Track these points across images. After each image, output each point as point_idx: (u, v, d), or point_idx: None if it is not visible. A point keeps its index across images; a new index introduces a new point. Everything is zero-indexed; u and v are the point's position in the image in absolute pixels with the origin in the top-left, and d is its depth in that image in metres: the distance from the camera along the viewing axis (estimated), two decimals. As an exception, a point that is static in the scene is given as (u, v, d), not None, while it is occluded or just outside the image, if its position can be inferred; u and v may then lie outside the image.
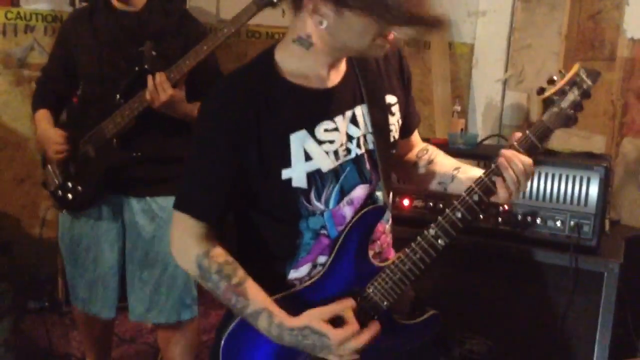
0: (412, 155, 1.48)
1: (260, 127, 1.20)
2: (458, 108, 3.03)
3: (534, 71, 3.67)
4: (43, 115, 2.11)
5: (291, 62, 1.23)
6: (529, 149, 1.23)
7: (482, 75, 3.92)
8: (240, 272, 1.20)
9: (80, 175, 2.05)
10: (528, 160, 1.22)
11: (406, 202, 2.07)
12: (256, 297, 1.18)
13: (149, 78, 1.89)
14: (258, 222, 1.28)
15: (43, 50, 3.13)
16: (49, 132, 2.05)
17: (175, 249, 1.27)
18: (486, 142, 2.57)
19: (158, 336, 2.28)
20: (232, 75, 1.28)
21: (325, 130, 1.23)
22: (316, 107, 1.24)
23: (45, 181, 2.15)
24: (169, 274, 2.07)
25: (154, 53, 1.95)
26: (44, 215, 2.56)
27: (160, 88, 1.88)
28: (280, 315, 1.17)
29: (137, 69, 1.95)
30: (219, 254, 1.22)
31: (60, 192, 2.08)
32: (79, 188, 2.05)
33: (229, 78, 1.30)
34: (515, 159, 1.21)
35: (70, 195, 2.06)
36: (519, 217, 1.95)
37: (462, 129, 2.77)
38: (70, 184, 2.06)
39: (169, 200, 2.04)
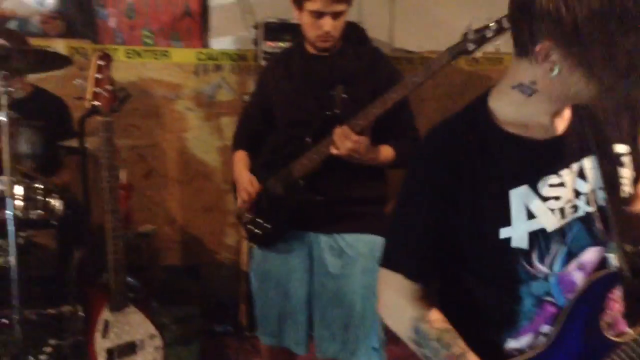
0: None
1: (475, 181, 1.11)
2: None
3: None
4: (240, 157, 2.22)
5: (509, 110, 1.14)
6: None
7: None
8: (461, 342, 1.12)
9: (270, 212, 2.11)
10: None
11: None
12: None
13: (336, 130, 1.89)
14: (470, 284, 1.19)
15: (230, 87, 3.33)
16: (242, 175, 2.15)
17: (386, 308, 1.22)
18: None
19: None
20: (443, 123, 1.21)
21: (550, 185, 1.12)
22: (539, 159, 1.12)
23: (238, 214, 2.24)
24: (357, 313, 2.05)
25: (344, 96, 1.95)
26: (229, 242, 2.70)
27: (344, 137, 1.87)
28: None
29: (327, 112, 1.97)
30: (437, 319, 1.15)
31: (250, 227, 2.16)
32: (268, 225, 2.11)
33: (440, 127, 1.23)
34: None
35: (259, 231, 2.13)
36: None
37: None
38: (260, 220, 2.13)
39: (357, 238, 2.06)
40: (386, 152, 1.99)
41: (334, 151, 1.89)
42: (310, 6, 1.92)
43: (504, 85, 1.14)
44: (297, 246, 2.12)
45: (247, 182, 2.11)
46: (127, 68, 3.27)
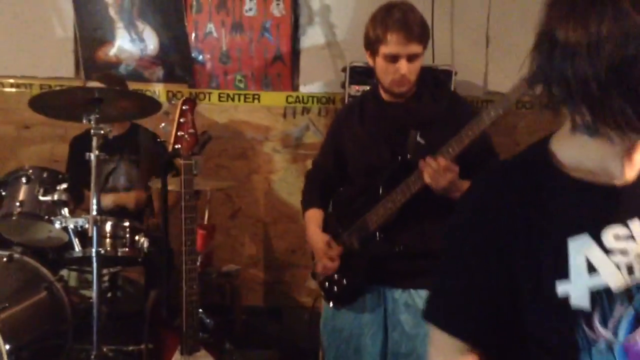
0: None
1: (531, 229, 0.98)
2: None
3: None
4: (312, 216, 2.14)
5: (572, 152, 1.01)
6: None
7: None
8: None
9: (345, 268, 2.03)
10: None
11: None
12: None
13: (426, 161, 1.79)
14: (521, 352, 1.05)
15: (317, 130, 3.35)
16: (318, 237, 2.07)
17: None
18: None
19: None
20: (498, 166, 1.11)
21: (616, 237, 0.97)
22: (604, 207, 0.98)
23: (313, 272, 2.18)
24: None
25: (420, 141, 1.88)
26: (312, 286, 2.65)
27: (445, 169, 1.76)
28: None
29: (399, 158, 1.90)
30: None
31: (327, 285, 2.09)
32: (344, 281, 2.03)
33: (495, 170, 1.12)
34: None
35: (335, 288, 2.06)
36: None
37: None
38: (335, 276, 2.06)
39: None
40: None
41: (427, 181, 1.78)
42: (384, 49, 1.87)
43: (567, 126, 1.02)
44: (371, 301, 2.02)
45: (325, 244, 2.02)
46: (219, 111, 3.38)
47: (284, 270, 3.46)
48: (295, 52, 3.34)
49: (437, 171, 1.76)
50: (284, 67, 3.34)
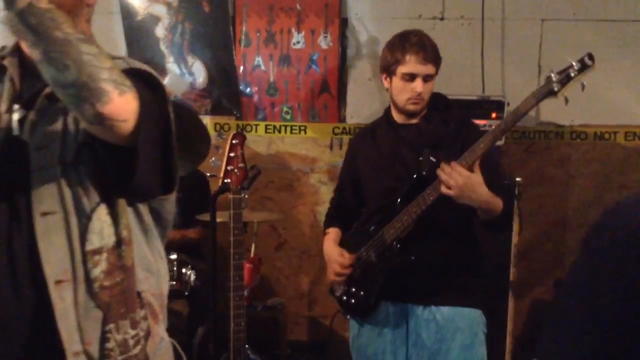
0: None
1: None
2: None
3: None
4: (330, 233, 2.23)
5: None
6: None
7: None
8: None
9: (363, 281, 2.07)
10: None
11: None
12: None
13: (441, 166, 1.83)
14: None
15: (363, 162, 3.31)
16: (332, 249, 2.15)
17: None
18: None
19: None
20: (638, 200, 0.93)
21: None
22: None
23: (331, 287, 2.21)
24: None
25: (432, 159, 1.94)
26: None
27: (456, 173, 1.80)
28: None
29: (415, 176, 1.96)
30: None
31: (345, 298, 2.12)
32: (362, 293, 2.06)
33: (635, 204, 0.95)
34: None
35: (353, 300, 2.09)
36: None
37: None
38: (353, 289, 2.10)
39: (455, 311, 1.96)
40: (494, 197, 1.87)
41: (444, 190, 1.81)
42: (403, 69, 1.98)
43: None
44: (393, 318, 2.05)
45: (337, 254, 2.12)
46: (266, 142, 3.38)
47: (329, 304, 3.40)
48: (342, 84, 3.33)
49: (451, 174, 1.80)
50: (331, 99, 3.33)
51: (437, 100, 2.09)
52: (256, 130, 3.39)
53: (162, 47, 3.36)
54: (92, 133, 1.15)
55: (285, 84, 3.35)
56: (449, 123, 2.05)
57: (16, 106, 1.25)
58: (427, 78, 2.00)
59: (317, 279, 3.42)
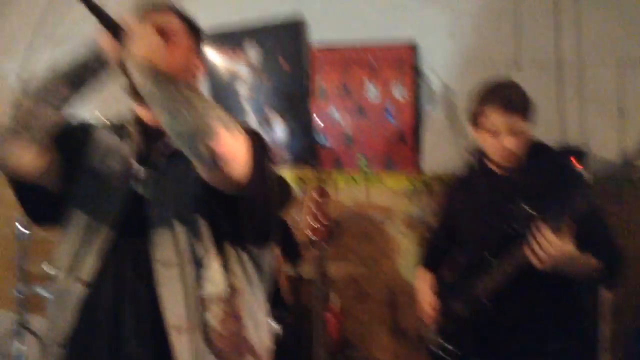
0: None
1: None
2: None
3: None
4: (423, 274, 2.26)
5: None
6: None
7: None
8: None
9: (455, 335, 2.05)
10: None
11: None
12: None
13: (530, 237, 1.76)
14: None
15: (442, 210, 3.30)
16: (425, 292, 2.19)
17: None
18: None
19: None
20: None
21: None
22: None
23: (421, 334, 2.23)
24: None
25: (529, 213, 1.85)
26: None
27: (547, 242, 1.71)
28: None
29: (508, 228, 1.89)
30: None
31: (434, 350, 2.11)
32: (451, 347, 2.04)
33: None
34: None
35: (441, 352, 2.08)
36: None
37: None
38: (442, 341, 2.08)
39: None
40: (587, 258, 1.79)
41: (534, 262, 1.75)
42: (486, 124, 1.91)
43: None
44: None
45: (429, 296, 2.14)
46: (343, 193, 3.44)
47: (413, 357, 3.36)
48: (417, 133, 3.36)
49: (543, 247, 1.71)
50: (407, 148, 3.37)
51: (537, 149, 1.97)
52: (334, 181, 3.46)
53: (244, 103, 3.52)
54: (207, 183, 1.26)
55: (361, 134, 3.42)
56: (547, 173, 1.94)
57: (138, 165, 1.39)
58: (514, 133, 1.88)
59: (399, 332, 3.40)
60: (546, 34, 3.23)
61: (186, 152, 1.22)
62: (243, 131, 1.25)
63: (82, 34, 3.79)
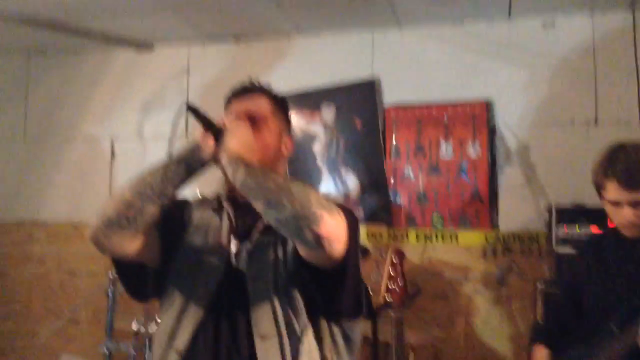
0: None
1: None
2: None
3: None
4: (540, 354, 2.07)
5: None
6: None
7: None
8: None
9: None
10: None
11: None
12: None
13: None
14: None
15: (521, 271, 3.21)
16: None
17: None
18: None
19: None
20: None
21: None
22: None
23: None
24: None
25: None
26: None
27: None
28: None
29: (635, 299, 1.80)
30: None
31: None
32: None
33: None
34: None
35: None
36: None
37: None
38: None
39: None
40: None
41: None
42: (606, 195, 1.85)
43: None
44: None
45: None
46: (417, 250, 3.42)
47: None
48: (493, 191, 3.33)
49: None
50: (482, 206, 3.33)
51: None
52: (407, 238, 3.45)
53: (319, 161, 3.61)
54: (302, 258, 1.30)
55: (435, 192, 3.42)
56: None
57: (233, 240, 1.45)
58: (637, 205, 1.79)
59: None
60: (624, 90, 3.17)
61: (288, 236, 1.29)
62: (340, 210, 1.30)
63: (166, 98, 4.00)
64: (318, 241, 1.22)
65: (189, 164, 1.36)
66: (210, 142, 1.34)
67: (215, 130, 1.36)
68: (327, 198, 1.33)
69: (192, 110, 1.36)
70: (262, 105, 1.52)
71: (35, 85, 4.21)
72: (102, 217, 1.35)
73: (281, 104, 1.58)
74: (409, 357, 2.98)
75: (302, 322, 1.35)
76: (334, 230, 1.24)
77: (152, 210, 1.35)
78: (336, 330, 1.41)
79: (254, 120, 1.44)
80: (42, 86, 4.19)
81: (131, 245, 1.38)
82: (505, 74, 3.35)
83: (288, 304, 1.36)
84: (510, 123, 3.32)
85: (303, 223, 1.22)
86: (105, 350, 2.86)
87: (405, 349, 2.37)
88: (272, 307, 1.36)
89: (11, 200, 4.15)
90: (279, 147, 1.53)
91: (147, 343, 2.83)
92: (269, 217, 1.26)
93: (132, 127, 3.97)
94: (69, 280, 3.96)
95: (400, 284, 2.27)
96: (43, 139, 4.16)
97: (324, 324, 1.39)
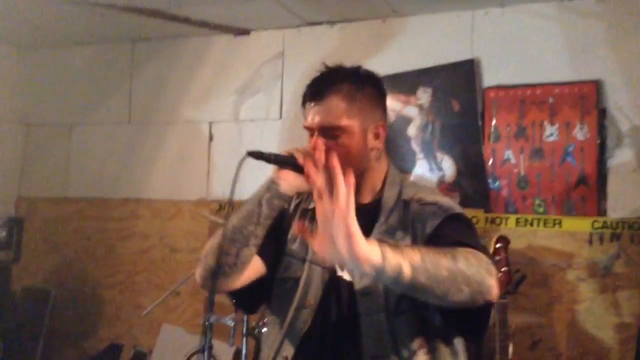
0: None
1: None
2: None
3: None
4: None
5: None
6: None
7: None
8: None
9: None
10: None
11: None
12: None
13: None
14: None
15: (630, 259, 3.05)
16: None
17: None
18: None
19: None
20: None
21: None
22: None
23: None
24: None
25: None
26: None
27: None
28: None
29: None
30: None
31: None
32: None
33: None
34: None
35: None
36: None
37: None
38: None
39: None
40: None
41: None
42: None
43: None
44: None
45: None
46: (517, 236, 3.31)
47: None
48: (601, 176, 3.16)
49: None
50: (589, 191, 3.18)
51: None
52: (506, 224, 3.35)
53: (414, 145, 3.56)
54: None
55: (537, 177, 3.29)
56: None
57: None
58: None
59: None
60: None
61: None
62: (489, 259, 1.26)
63: (262, 82, 4.05)
64: (487, 304, 1.21)
65: (270, 202, 1.38)
66: (289, 176, 1.35)
67: (288, 163, 1.36)
68: (483, 249, 1.28)
69: (256, 155, 1.33)
70: (335, 110, 1.41)
71: (139, 71, 4.41)
72: (205, 267, 1.41)
73: (363, 92, 1.47)
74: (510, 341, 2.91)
75: (411, 346, 1.31)
76: (498, 290, 1.22)
77: (248, 253, 1.39)
78: (447, 352, 1.37)
79: (331, 135, 1.40)
80: (146, 72, 4.38)
81: (238, 282, 1.44)
82: (617, 53, 3.15)
83: (398, 326, 1.31)
84: (622, 104, 3.13)
85: (479, 297, 1.19)
86: (205, 322, 2.99)
87: (507, 336, 2.32)
88: (382, 327, 1.31)
89: (117, 179, 4.39)
90: (364, 145, 1.44)
91: (245, 318, 2.95)
92: (442, 304, 1.21)
93: (229, 111, 4.07)
94: (170, 255, 4.15)
95: (503, 270, 2.22)
96: (146, 122, 4.35)
97: (438, 345, 1.34)
